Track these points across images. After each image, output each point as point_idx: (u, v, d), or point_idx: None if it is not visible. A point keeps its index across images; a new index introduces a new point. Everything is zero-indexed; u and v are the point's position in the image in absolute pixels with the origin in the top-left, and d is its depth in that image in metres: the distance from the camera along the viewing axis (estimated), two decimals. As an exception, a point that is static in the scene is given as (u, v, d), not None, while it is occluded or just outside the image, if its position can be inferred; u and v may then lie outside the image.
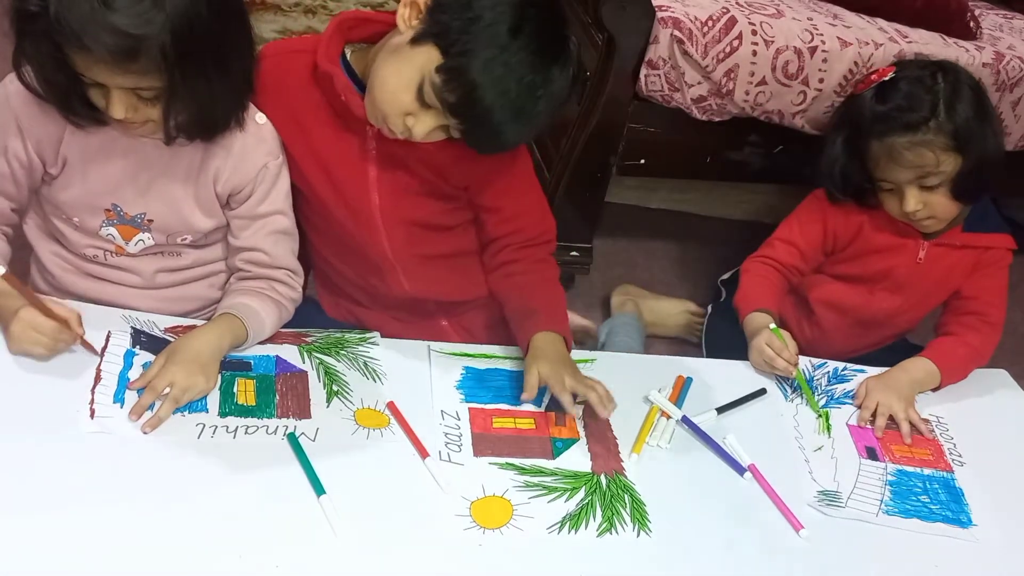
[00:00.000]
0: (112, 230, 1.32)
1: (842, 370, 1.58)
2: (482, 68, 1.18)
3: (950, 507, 1.34)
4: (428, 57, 1.20)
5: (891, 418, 1.48)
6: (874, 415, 1.48)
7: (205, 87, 1.17)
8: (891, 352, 1.75)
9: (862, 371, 1.58)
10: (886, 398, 1.49)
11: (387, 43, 1.28)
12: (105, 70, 1.11)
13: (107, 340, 1.27)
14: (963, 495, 1.37)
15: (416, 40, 1.22)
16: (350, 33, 1.34)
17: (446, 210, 1.46)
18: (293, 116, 1.35)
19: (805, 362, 1.57)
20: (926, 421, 1.50)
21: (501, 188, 1.46)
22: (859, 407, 1.51)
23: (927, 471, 1.40)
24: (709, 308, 2.03)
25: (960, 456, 1.45)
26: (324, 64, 1.29)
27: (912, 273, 1.69)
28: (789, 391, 1.51)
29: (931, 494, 1.36)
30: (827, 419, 1.47)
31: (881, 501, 1.33)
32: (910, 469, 1.40)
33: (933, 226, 1.63)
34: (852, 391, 1.54)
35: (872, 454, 1.41)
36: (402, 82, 1.23)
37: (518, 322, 1.45)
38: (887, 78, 1.62)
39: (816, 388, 1.53)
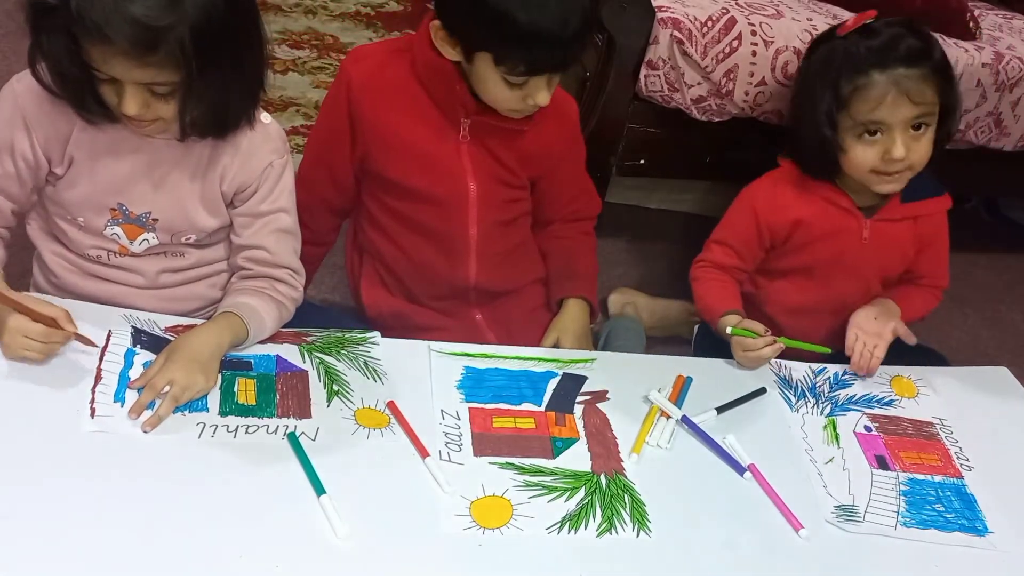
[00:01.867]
0: (117, 229, 1.32)
1: (843, 375, 1.58)
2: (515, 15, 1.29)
3: (965, 515, 1.34)
4: (485, 59, 1.36)
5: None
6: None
7: (220, 83, 1.18)
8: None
9: (862, 378, 1.58)
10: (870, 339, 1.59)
11: (464, 67, 1.41)
12: (123, 63, 1.12)
13: (107, 339, 1.27)
14: (976, 501, 1.36)
15: (469, 59, 1.38)
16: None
17: (515, 200, 1.61)
18: (394, 110, 1.48)
19: (804, 368, 1.56)
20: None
21: (569, 172, 1.66)
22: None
23: (938, 478, 1.40)
24: (692, 343, 1.99)
25: (968, 460, 1.44)
26: (435, 60, 1.42)
27: (861, 253, 1.65)
28: (794, 400, 1.49)
29: (945, 502, 1.35)
30: (834, 427, 1.46)
31: (897, 513, 1.32)
32: (921, 477, 1.39)
33: (905, 181, 1.57)
34: (855, 395, 1.53)
35: (883, 463, 1.40)
36: (498, 90, 1.39)
37: (556, 278, 1.69)
38: (869, 21, 1.55)
39: (819, 396, 1.52)
